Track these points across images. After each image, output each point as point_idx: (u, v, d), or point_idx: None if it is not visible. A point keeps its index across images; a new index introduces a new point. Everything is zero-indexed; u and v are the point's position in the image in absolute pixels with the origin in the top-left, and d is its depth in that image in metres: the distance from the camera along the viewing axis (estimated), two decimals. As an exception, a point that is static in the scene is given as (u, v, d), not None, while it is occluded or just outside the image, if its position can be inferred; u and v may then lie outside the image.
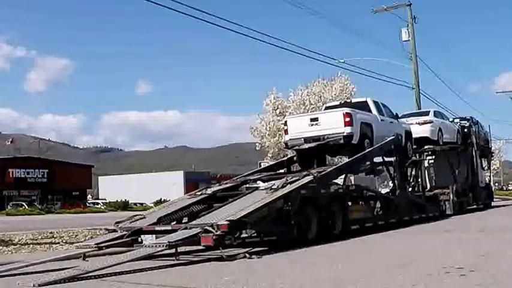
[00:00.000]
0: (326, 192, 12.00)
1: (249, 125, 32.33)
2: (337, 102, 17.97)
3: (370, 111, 15.55)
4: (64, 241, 13.32)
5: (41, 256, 9.35)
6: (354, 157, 13.95)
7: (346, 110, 14.44)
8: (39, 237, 14.58)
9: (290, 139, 14.96)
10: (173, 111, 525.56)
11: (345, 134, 13.95)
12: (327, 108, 17.04)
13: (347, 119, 14.01)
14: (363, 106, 15.64)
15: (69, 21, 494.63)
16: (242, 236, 10.19)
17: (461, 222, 16.57)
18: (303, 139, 14.57)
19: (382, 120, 15.73)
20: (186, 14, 14.79)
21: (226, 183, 13.63)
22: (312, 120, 14.74)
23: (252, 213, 9.26)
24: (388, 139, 15.74)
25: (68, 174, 69.97)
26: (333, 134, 14.08)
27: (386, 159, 16.69)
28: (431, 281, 5.81)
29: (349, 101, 18.42)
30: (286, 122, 15.71)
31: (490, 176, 35.62)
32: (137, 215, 11.45)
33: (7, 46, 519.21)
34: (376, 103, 16.08)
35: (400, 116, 21.44)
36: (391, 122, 16.46)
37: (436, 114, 21.87)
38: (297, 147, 15.02)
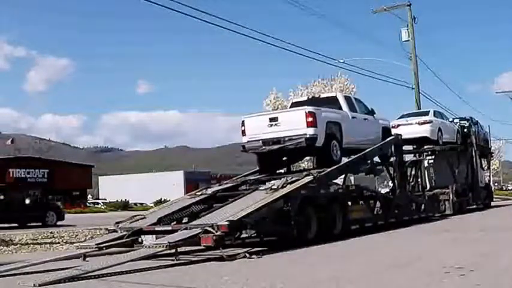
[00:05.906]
0: (326, 192, 12.00)
1: (249, 125, 32.26)
2: (305, 98, 16.32)
3: (340, 108, 14.03)
4: (64, 241, 13.33)
5: (41, 256, 9.35)
6: (354, 157, 13.91)
7: (309, 108, 12.73)
8: (39, 237, 14.58)
9: (248, 141, 13.28)
10: (173, 111, 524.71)
11: (307, 135, 12.37)
12: (293, 104, 15.41)
13: (309, 119, 12.39)
14: (333, 102, 14.20)
15: (69, 21, 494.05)
16: (242, 236, 10.22)
17: (461, 222, 16.59)
18: (261, 141, 13.01)
19: (353, 117, 14.22)
20: (186, 14, 14.81)
21: (226, 183, 13.59)
22: (271, 120, 13.00)
23: (252, 213, 9.27)
24: (388, 139, 15.72)
25: (68, 174, 69.83)
26: (293, 135, 12.52)
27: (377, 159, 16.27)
28: (431, 281, 5.82)
29: (317, 96, 16.47)
30: (243, 122, 13.55)
31: (489, 176, 35.69)
32: (137, 215, 11.46)
33: (7, 46, 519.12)
34: (347, 98, 14.87)
35: (400, 116, 21.55)
36: (365, 119, 14.96)
37: (436, 114, 21.88)
38: (255, 151, 13.56)
